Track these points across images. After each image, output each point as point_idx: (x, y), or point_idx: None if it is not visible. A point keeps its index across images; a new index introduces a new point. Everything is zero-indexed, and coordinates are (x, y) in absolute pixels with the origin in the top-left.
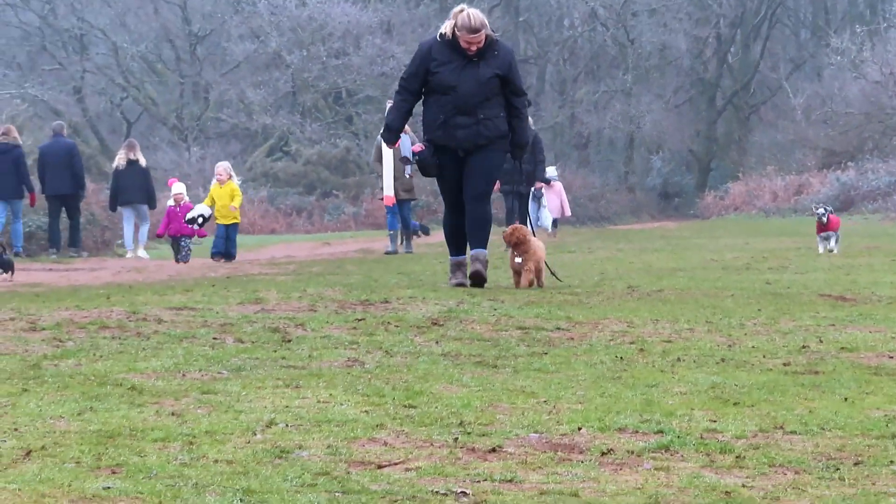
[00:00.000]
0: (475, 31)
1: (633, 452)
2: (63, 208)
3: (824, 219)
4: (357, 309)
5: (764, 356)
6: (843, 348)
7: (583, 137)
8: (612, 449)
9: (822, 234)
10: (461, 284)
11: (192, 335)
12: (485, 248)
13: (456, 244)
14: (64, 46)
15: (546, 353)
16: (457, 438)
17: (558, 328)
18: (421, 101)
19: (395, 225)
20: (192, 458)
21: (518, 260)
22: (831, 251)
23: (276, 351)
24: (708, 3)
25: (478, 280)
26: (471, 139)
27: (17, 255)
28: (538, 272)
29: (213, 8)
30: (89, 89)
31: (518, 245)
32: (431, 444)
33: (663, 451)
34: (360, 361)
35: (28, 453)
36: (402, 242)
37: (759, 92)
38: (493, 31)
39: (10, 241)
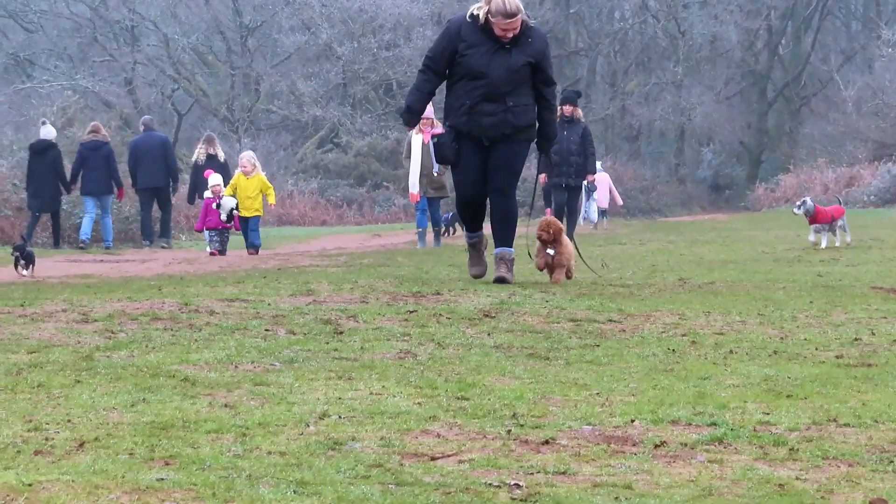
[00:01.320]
0: (511, 15)
1: (686, 445)
2: (155, 200)
3: (804, 213)
4: (409, 301)
5: (816, 349)
6: (895, 341)
7: (633, 129)
8: (665, 441)
9: (814, 225)
10: (479, 276)
11: (245, 327)
12: (510, 245)
13: (472, 221)
14: (115, 38)
15: (598, 346)
16: (510, 430)
17: (610, 320)
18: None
19: (423, 223)
20: (245, 450)
21: (551, 252)
22: (846, 243)
23: (328, 343)
24: None
25: (502, 283)
26: (497, 127)
27: (107, 249)
28: (568, 266)
29: None
30: (140, 81)
31: (553, 241)
32: (484, 436)
33: (716, 444)
34: (413, 353)
35: (81, 445)
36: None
37: (810, 84)
38: (528, 16)
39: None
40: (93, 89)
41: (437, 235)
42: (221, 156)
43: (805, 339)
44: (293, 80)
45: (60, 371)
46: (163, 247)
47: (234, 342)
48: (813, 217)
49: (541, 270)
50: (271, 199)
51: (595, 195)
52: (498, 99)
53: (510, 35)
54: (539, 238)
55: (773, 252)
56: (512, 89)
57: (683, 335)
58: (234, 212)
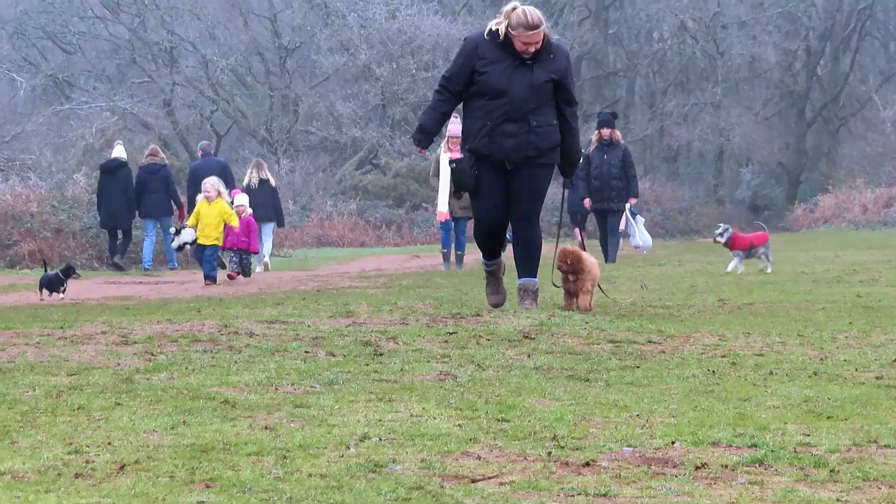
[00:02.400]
0: (533, 27)
1: (726, 466)
2: None
3: (722, 240)
4: (448, 322)
5: (856, 369)
6: None
7: (672, 150)
8: (705, 463)
9: (733, 251)
10: (498, 305)
11: (284, 349)
12: (535, 275)
13: (490, 249)
14: (154, 59)
15: (638, 367)
16: (550, 452)
17: (650, 341)
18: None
19: (447, 243)
20: (285, 473)
21: (572, 277)
22: (764, 270)
23: (368, 364)
24: (797, 16)
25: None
26: (520, 149)
27: (172, 269)
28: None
29: (302, 21)
30: (179, 102)
31: (573, 272)
32: (525, 458)
33: (757, 465)
34: (453, 375)
35: (122, 467)
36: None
37: (849, 104)
38: (549, 30)
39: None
40: (131, 110)
41: (460, 259)
42: (273, 180)
43: (845, 360)
44: (332, 101)
45: (100, 393)
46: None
47: (273, 364)
48: (730, 244)
49: (567, 300)
50: (233, 223)
51: (641, 218)
52: (520, 119)
53: (532, 50)
54: (559, 268)
55: (813, 273)
56: (535, 108)
57: (723, 356)
58: (189, 246)
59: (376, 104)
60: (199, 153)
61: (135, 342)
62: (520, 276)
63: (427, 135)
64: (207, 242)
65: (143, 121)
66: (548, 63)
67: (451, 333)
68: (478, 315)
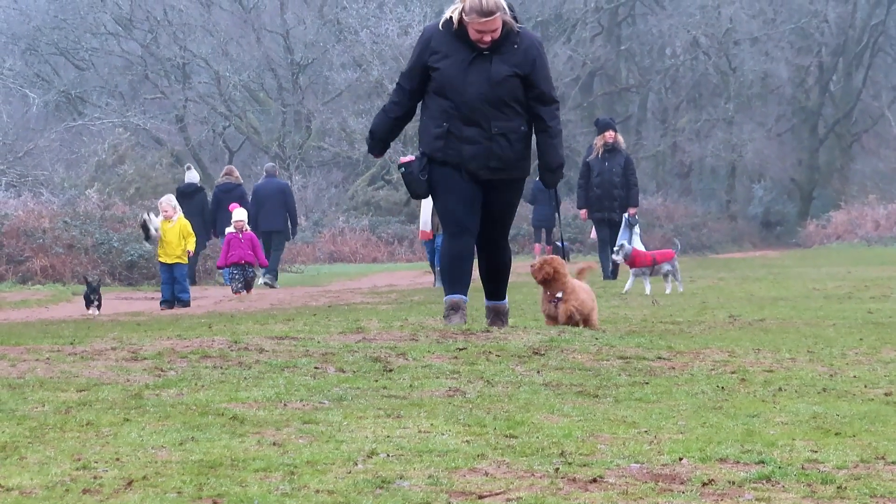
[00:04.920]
0: (488, 13)
1: (734, 483)
2: (271, 242)
3: (622, 257)
4: (458, 338)
5: (865, 386)
6: None
7: (685, 166)
8: (713, 479)
9: (634, 269)
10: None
11: (294, 365)
12: (504, 297)
13: (453, 277)
14: (166, 75)
15: (647, 383)
16: (558, 469)
17: (659, 357)
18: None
19: (436, 261)
20: (293, 489)
21: (554, 301)
22: (678, 292)
23: (377, 380)
24: (810, 32)
25: None
26: (480, 159)
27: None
28: (587, 317)
29: (315, 37)
30: (191, 118)
31: (548, 283)
32: (532, 475)
33: (764, 482)
34: (462, 391)
35: (130, 483)
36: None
37: (861, 120)
38: (514, 17)
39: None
40: (144, 126)
41: (438, 277)
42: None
43: (854, 377)
44: (344, 117)
45: (109, 409)
46: (266, 283)
47: (283, 380)
48: (631, 261)
49: (548, 323)
50: (191, 246)
51: (637, 230)
52: (479, 122)
53: (488, 39)
54: (535, 278)
55: (824, 289)
56: (496, 110)
57: (733, 372)
58: (154, 232)
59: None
60: (264, 174)
61: (145, 358)
62: (488, 299)
63: (378, 141)
64: (169, 261)
65: (155, 137)
66: (511, 55)
67: (460, 349)
68: (487, 331)
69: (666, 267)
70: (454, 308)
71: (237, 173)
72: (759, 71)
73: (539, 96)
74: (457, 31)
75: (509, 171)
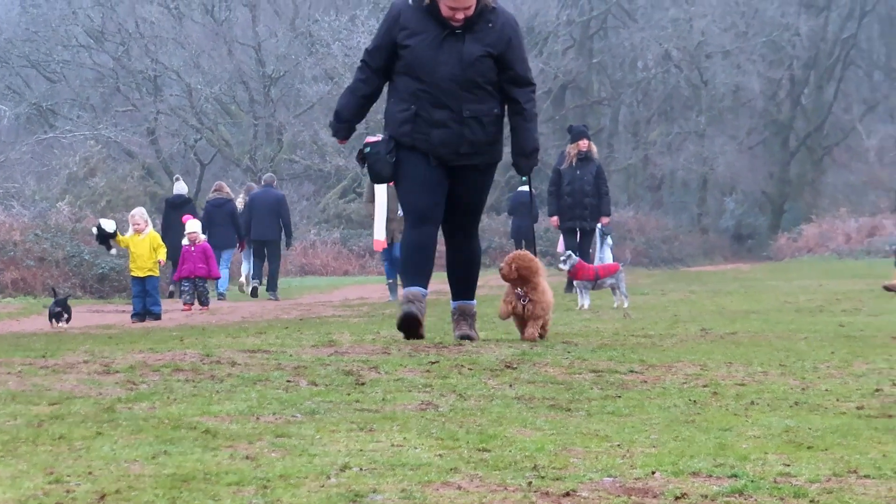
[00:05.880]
0: None
1: (706, 496)
2: (265, 252)
3: (565, 268)
4: (430, 352)
5: (837, 399)
6: None
7: (656, 179)
8: (685, 493)
9: (577, 282)
10: (414, 335)
11: (266, 378)
12: (473, 297)
13: (414, 268)
14: (138, 88)
15: (619, 397)
16: (531, 482)
17: (632, 371)
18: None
19: (393, 274)
20: (266, 502)
21: (524, 302)
22: (623, 307)
23: (349, 394)
24: (781, 45)
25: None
26: (450, 144)
27: (220, 297)
28: (544, 322)
29: (287, 50)
30: (163, 131)
31: (521, 280)
32: (505, 489)
33: (737, 496)
34: (434, 405)
35: (102, 497)
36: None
37: (833, 133)
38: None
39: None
40: (115, 139)
41: (392, 289)
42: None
43: (826, 390)
44: (316, 129)
45: (82, 423)
46: (269, 299)
47: (255, 393)
48: (574, 273)
49: (503, 319)
50: (161, 256)
51: (609, 240)
52: (449, 104)
53: (460, 16)
54: (502, 276)
55: (796, 302)
56: (468, 92)
57: (705, 386)
58: (111, 239)
59: (360, 133)
60: (262, 183)
61: (117, 371)
62: (455, 298)
63: (345, 123)
64: (142, 274)
65: (126, 149)
66: (485, 33)
67: (433, 363)
68: (460, 344)
69: (609, 281)
70: (411, 300)
71: (227, 189)
72: (731, 84)
73: (513, 78)
74: (428, 7)
75: (481, 155)
